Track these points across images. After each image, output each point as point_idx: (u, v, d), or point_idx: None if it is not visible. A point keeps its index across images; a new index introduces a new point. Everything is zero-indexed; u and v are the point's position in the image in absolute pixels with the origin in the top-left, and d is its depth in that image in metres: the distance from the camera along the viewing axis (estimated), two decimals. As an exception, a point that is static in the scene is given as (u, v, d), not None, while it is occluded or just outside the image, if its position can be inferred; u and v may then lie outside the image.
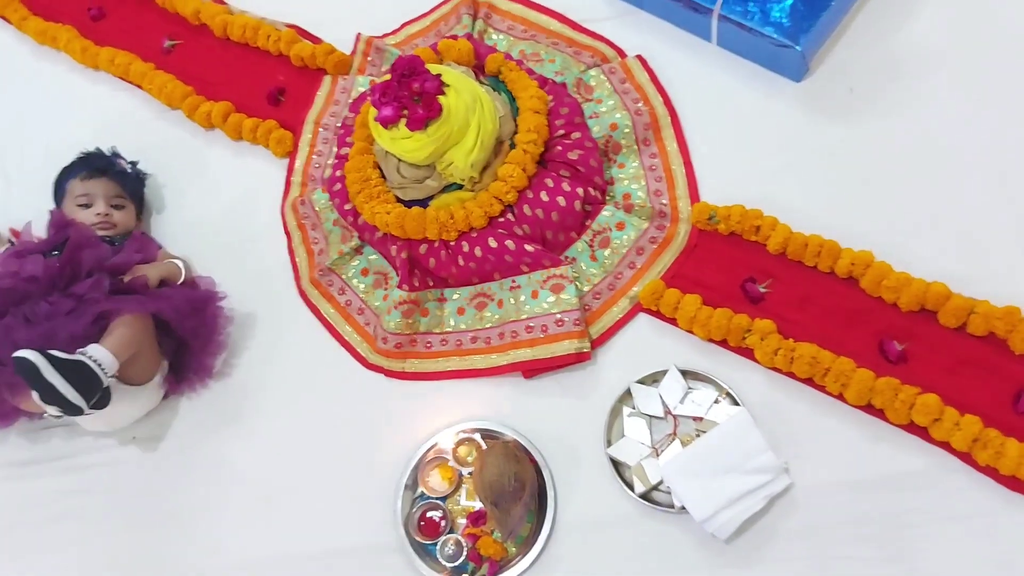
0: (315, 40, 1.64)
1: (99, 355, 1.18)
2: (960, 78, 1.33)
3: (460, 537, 1.20)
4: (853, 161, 1.32)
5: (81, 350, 1.18)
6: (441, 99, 1.24)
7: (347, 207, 1.38)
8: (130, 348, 1.24)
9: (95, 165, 1.49)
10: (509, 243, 1.29)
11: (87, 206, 1.45)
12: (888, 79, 1.36)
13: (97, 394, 1.16)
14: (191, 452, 1.35)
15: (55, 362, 1.13)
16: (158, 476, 1.34)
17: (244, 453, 1.33)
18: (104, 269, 1.32)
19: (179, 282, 1.40)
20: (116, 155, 1.52)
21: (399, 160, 1.31)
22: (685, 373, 1.23)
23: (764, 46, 1.37)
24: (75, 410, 1.15)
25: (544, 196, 1.29)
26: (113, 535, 1.31)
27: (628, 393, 1.24)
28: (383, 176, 1.36)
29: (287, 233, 1.49)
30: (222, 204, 1.55)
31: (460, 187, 1.31)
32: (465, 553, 1.19)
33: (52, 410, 1.16)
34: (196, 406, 1.38)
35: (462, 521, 1.22)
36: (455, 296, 1.35)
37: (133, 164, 1.54)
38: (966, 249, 1.21)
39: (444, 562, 1.19)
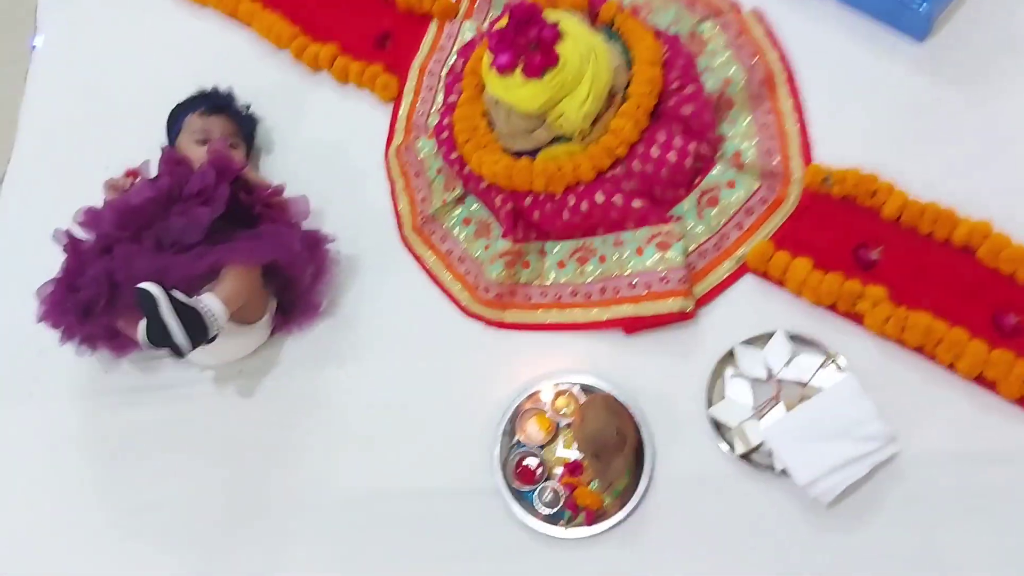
0: (423, -17, 1.63)
1: (213, 306, 1.22)
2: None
3: (557, 485, 1.22)
4: (974, 128, 1.27)
5: (198, 297, 1.21)
6: (558, 47, 1.23)
7: (453, 156, 1.39)
8: (241, 298, 1.27)
9: (216, 103, 1.52)
10: (616, 199, 1.28)
11: (204, 142, 1.48)
12: (1014, 49, 1.30)
13: (203, 343, 1.20)
14: (295, 388, 1.38)
15: (174, 302, 1.17)
16: (262, 410, 1.38)
17: (346, 392, 1.36)
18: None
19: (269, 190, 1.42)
20: (232, 96, 1.55)
21: (509, 110, 1.30)
22: (792, 337, 1.22)
23: (887, 2, 1.32)
24: (178, 352, 1.19)
25: (655, 151, 1.28)
26: (216, 466, 1.36)
27: (731, 354, 1.23)
28: (491, 126, 1.36)
29: (390, 179, 1.50)
30: (326, 148, 1.56)
31: (569, 140, 1.30)
32: (563, 501, 1.21)
33: (151, 349, 1.20)
34: (301, 343, 1.41)
35: (558, 471, 1.23)
36: (556, 249, 1.35)
37: (247, 106, 1.56)
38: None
39: (542, 509, 1.21)
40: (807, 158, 1.31)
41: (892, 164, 1.26)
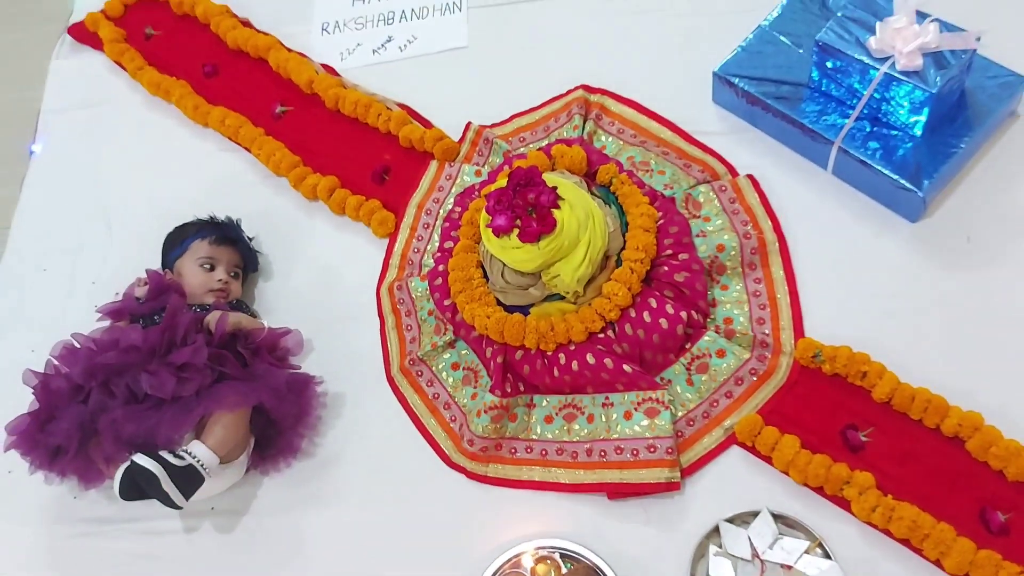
0: (425, 123, 1.65)
1: (204, 457, 1.24)
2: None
3: (532, 659, 1.18)
4: (968, 314, 1.28)
5: (186, 449, 1.23)
6: (555, 213, 1.24)
7: (446, 302, 1.38)
8: (229, 445, 1.28)
9: (228, 234, 1.53)
10: (607, 361, 1.28)
11: (210, 268, 1.48)
12: (1007, 233, 1.33)
13: (195, 491, 1.21)
14: (269, 530, 1.35)
15: (171, 471, 1.19)
16: (232, 550, 1.34)
17: (319, 535, 1.32)
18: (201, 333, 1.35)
19: (262, 335, 1.42)
20: (239, 227, 1.56)
21: (504, 265, 1.31)
22: (776, 517, 1.20)
23: (883, 184, 1.35)
24: (173, 507, 1.21)
25: (647, 316, 1.28)
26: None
27: (716, 530, 1.21)
28: (486, 277, 1.36)
29: (380, 316, 1.49)
30: (319, 279, 1.56)
31: (562, 298, 1.31)
32: None
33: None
34: (277, 483, 1.38)
35: (534, 641, 1.20)
36: (544, 403, 1.34)
37: (251, 239, 1.57)
38: (1085, 424, 1.17)
39: None
40: (798, 330, 1.32)
41: (884, 343, 1.27)
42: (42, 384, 1.32)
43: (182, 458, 1.22)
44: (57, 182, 1.80)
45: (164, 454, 1.21)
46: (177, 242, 1.52)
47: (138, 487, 1.19)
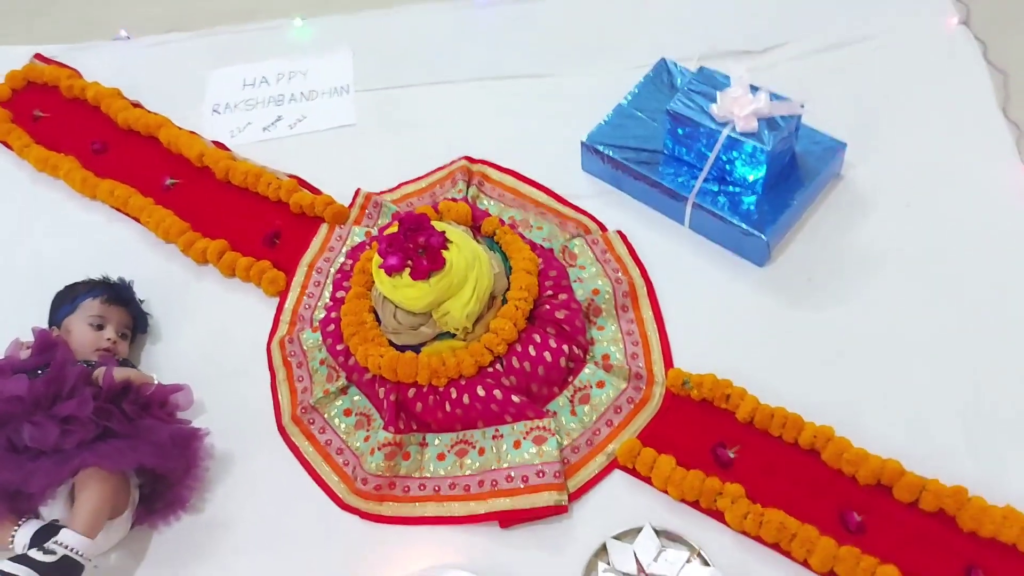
0: (315, 191, 1.73)
1: (76, 543, 1.19)
2: (907, 275, 1.49)
3: None
4: (813, 341, 1.44)
5: (56, 540, 1.18)
6: (444, 253, 1.33)
7: (339, 347, 1.43)
8: (104, 514, 1.24)
9: (120, 294, 1.53)
10: (496, 392, 1.35)
11: (99, 327, 1.47)
12: (841, 271, 1.51)
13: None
14: (155, 587, 1.31)
15: (42, 570, 1.14)
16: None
17: (213, 592, 1.30)
18: (88, 387, 1.33)
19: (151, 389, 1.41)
20: (131, 288, 1.57)
21: (396, 307, 1.38)
22: (658, 532, 1.27)
23: (732, 233, 1.52)
24: None
25: (532, 351, 1.37)
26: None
27: (604, 548, 1.27)
28: (378, 320, 1.42)
29: (271, 369, 1.52)
30: (209, 338, 1.58)
31: (453, 336, 1.38)
32: None
33: None
34: (165, 539, 1.35)
35: (432, 673, 1.20)
36: (436, 442, 1.39)
37: (141, 301, 1.58)
38: (917, 429, 1.32)
39: None
40: (668, 363, 1.44)
41: (743, 371, 1.39)
42: None
43: (53, 552, 1.16)
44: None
45: (32, 553, 1.15)
46: (68, 299, 1.52)
47: None
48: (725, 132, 1.48)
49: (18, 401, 1.28)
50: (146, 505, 1.35)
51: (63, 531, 1.20)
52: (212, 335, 1.59)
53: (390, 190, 1.74)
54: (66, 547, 1.17)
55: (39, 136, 1.90)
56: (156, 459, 1.31)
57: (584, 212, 1.64)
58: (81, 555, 1.18)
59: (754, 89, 1.50)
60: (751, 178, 1.51)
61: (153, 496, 1.35)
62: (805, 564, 1.23)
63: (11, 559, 1.15)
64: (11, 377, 1.33)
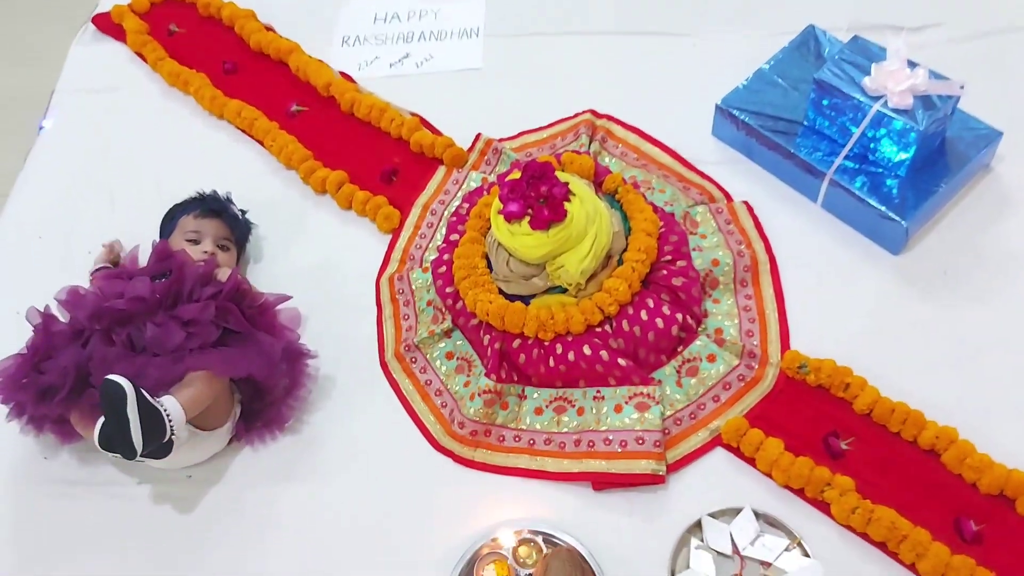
0: (436, 132, 1.72)
1: (174, 411, 1.20)
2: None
3: (510, 637, 1.17)
4: (942, 339, 1.35)
5: (159, 399, 1.19)
6: (566, 205, 1.29)
7: (448, 290, 1.42)
8: (202, 406, 1.25)
9: (211, 206, 1.55)
10: (603, 353, 1.31)
11: (196, 242, 1.49)
12: (980, 268, 1.42)
13: (155, 446, 1.18)
14: (244, 501, 1.33)
15: (140, 400, 1.16)
16: (205, 520, 1.32)
17: (298, 513, 1.31)
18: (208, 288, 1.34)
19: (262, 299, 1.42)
20: (229, 200, 1.58)
21: (510, 255, 1.35)
22: (758, 515, 1.23)
23: (869, 216, 1.43)
24: (129, 453, 1.16)
25: (644, 315, 1.33)
26: (147, 572, 1.28)
27: (698, 525, 1.23)
28: (490, 267, 1.40)
29: (379, 305, 1.52)
30: (319, 266, 1.59)
31: (564, 291, 1.35)
32: (514, 656, 1.15)
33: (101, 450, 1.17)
34: (259, 455, 1.37)
35: (512, 622, 1.19)
36: (535, 395, 1.37)
37: (243, 212, 1.59)
38: (1051, 442, 1.23)
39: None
40: (785, 344, 1.37)
41: (865, 360, 1.32)
42: (44, 323, 1.31)
43: (155, 399, 1.18)
44: (63, 157, 1.81)
45: (141, 390, 1.17)
46: (168, 220, 1.55)
47: (119, 421, 1.14)
48: (876, 106, 1.39)
49: (142, 302, 1.30)
50: (246, 421, 1.37)
51: (168, 397, 1.21)
52: (323, 264, 1.59)
53: (510, 138, 1.71)
54: (166, 409, 1.19)
55: (173, 51, 1.93)
56: (266, 371, 1.32)
57: (710, 179, 1.58)
58: (171, 423, 1.18)
59: (911, 64, 1.41)
60: (896, 159, 1.42)
61: (253, 412, 1.37)
62: (912, 568, 1.17)
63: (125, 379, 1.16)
64: (133, 280, 1.35)
